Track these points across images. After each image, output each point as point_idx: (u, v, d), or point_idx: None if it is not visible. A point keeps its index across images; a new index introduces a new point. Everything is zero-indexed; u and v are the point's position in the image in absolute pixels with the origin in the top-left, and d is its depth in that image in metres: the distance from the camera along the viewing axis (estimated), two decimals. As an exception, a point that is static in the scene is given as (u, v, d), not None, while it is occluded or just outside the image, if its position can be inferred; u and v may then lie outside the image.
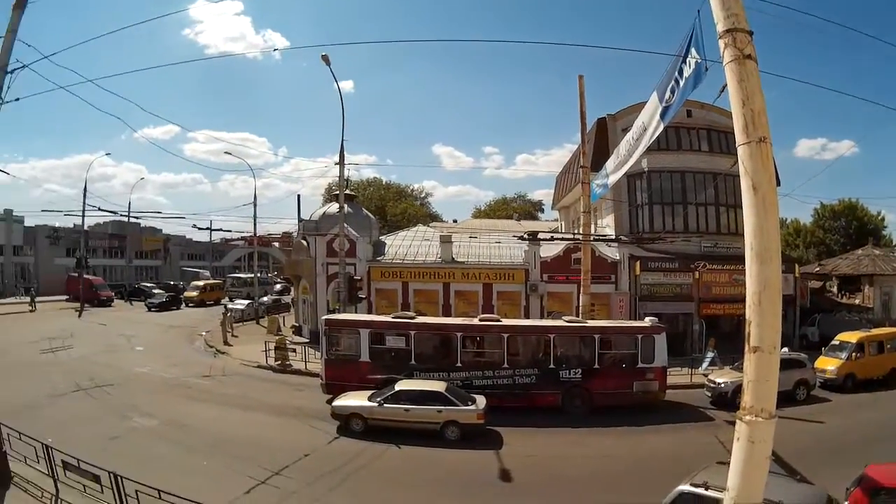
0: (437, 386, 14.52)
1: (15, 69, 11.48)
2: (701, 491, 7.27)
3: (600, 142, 25.85)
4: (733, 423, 5.02)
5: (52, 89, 14.81)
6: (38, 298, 40.09)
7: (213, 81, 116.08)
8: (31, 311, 38.02)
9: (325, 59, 19.78)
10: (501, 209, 65.62)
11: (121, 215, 25.91)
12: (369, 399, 14.45)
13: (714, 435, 14.36)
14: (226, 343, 27.48)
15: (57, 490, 11.30)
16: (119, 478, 9.96)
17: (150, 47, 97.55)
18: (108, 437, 14.60)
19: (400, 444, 13.44)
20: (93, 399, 18.12)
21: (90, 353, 24.33)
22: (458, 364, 16.58)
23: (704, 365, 21.57)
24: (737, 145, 4.89)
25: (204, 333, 30.65)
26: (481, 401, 14.36)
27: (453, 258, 26.40)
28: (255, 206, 38.20)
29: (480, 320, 17.60)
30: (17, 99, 11.87)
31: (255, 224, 38.32)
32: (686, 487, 7.61)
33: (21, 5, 11.47)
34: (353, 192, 33.19)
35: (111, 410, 16.97)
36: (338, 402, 14.88)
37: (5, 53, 11.27)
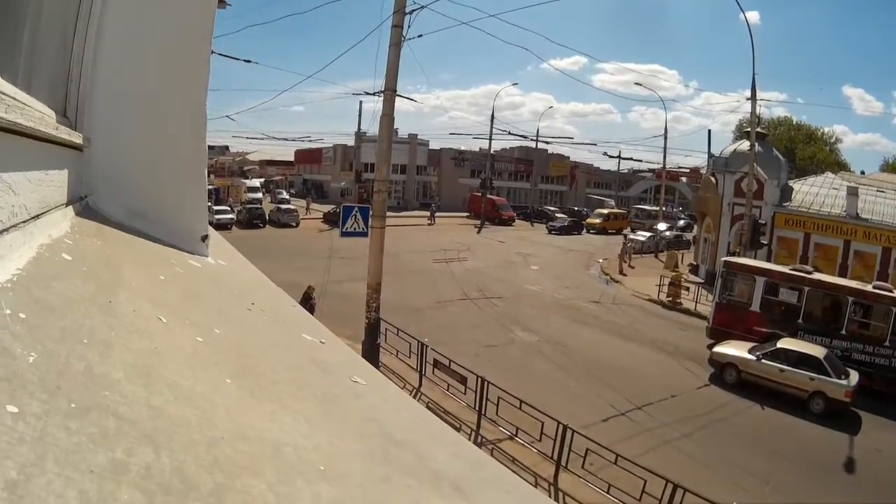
0: (817, 351, 15.88)
1: (413, 10, 14.01)
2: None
3: None
4: None
5: (453, 25, 17.29)
6: (437, 214, 51.52)
7: (619, 11, 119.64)
8: (430, 224, 49.13)
9: None
10: (912, 164, 59.61)
11: (530, 140, 28.31)
12: (749, 351, 16.47)
13: None
14: (621, 272, 31.95)
15: (420, 384, 13.90)
16: (486, 383, 11.89)
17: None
18: (484, 344, 17.47)
19: (764, 406, 15.06)
20: (478, 309, 22.56)
21: (483, 267, 31.42)
22: (843, 332, 17.82)
23: None
24: None
25: (601, 261, 35.78)
26: (854, 377, 15.44)
27: (857, 213, 27.08)
28: (665, 138, 44.11)
29: (874, 287, 18.24)
30: (420, 35, 15.20)
31: (664, 157, 45.07)
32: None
33: None
34: (763, 131, 34.62)
35: (493, 321, 20.37)
36: (718, 349, 17.21)
37: None
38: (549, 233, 48.99)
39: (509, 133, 61.11)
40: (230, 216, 41.39)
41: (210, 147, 75.33)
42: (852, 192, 27.24)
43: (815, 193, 29.28)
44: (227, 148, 75.32)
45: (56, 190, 1.51)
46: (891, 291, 18.00)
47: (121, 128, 2.02)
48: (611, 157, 61.23)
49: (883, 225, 26.27)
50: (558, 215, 55.46)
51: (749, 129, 26.46)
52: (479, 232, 46.56)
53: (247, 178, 66.69)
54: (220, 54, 14.82)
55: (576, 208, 62.71)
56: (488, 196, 53.04)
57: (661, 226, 45.84)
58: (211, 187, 53.78)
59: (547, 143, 59.54)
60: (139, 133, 2.07)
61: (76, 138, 1.71)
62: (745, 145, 28.35)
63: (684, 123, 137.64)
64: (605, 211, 55.81)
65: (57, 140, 1.48)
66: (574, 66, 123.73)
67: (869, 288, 18.20)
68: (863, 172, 52.68)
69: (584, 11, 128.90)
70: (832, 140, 70.58)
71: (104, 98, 1.97)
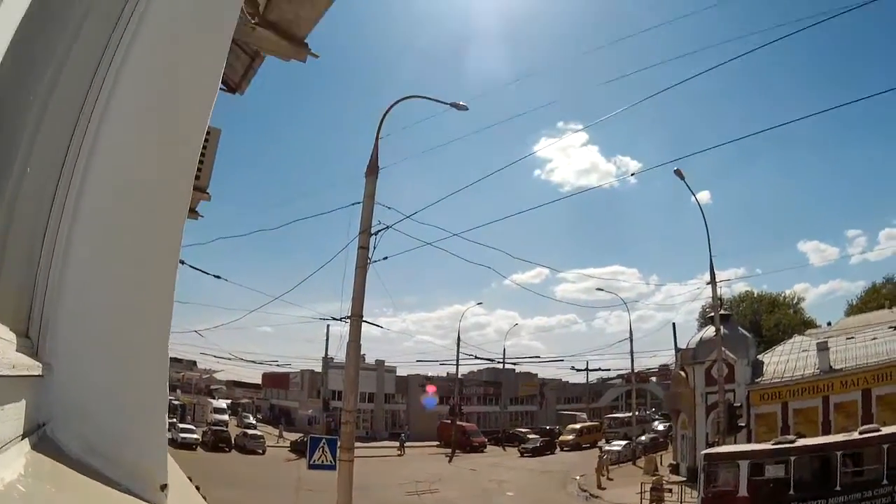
0: None
1: (379, 230, 14.24)
2: None
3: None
4: None
5: (418, 246, 18.76)
6: (407, 444, 50.45)
7: (574, 217, 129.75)
8: (399, 455, 47.83)
9: (679, 173, 23.60)
10: (872, 300, 63.59)
11: (497, 362, 29.29)
12: None
13: None
14: (599, 487, 31.15)
15: None
16: None
17: (505, 193, 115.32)
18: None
19: None
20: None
21: (457, 498, 29.79)
22: (837, 487, 17.50)
23: None
24: None
25: (578, 477, 34.79)
26: None
27: (830, 366, 27.49)
28: (630, 340, 43.20)
29: (860, 433, 18.36)
30: (385, 258, 15.75)
31: (632, 360, 43.82)
32: None
33: (374, 172, 14.32)
34: (727, 311, 36.26)
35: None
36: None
37: (367, 217, 13.99)
38: (522, 455, 47.85)
39: (475, 357, 62.25)
40: (195, 436, 39.93)
41: (177, 360, 74.23)
42: (822, 348, 27.77)
43: (786, 360, 29.70)
44: (194, 363, 74.13)
45: (12, 424, 1.48)
46: (878, 430, 17.87)
47: (83, 352, 1.94)
48: (578, 370, 62.17)
49: (858, 369, 26.48)
50: (530, 436, 54.36)
51: (713, 314, 27.18)
52: (450, 461, 45.24)
53: (213, 397, 65.55)
54: (189, 266, 15.34)
55: (547, 427, 61.40)
56: (458, 423, 52.51)
57: (643, 437, 45.06)
58: (176, 402, 53.15)
59: (514, 364, 60.92)
60: (101, 361, 1.97)
61: (35, 370, 1.69)
62: (710, 332, 28.89)
63: (648, 321, 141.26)
64: (578, 426, 55.25)
65: (17, 375, 1.47)
66: (536, 278, 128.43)
67: (856, 435, 18.16)
68: (829, 324, 53.95)
69: (542, 223, 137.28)
70: (795, 301, 72.52)
71: (68, 320, 1.91)
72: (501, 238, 70.18)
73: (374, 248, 14.12)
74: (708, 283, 25.37)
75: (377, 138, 14.90)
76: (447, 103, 16.32)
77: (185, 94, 2.05)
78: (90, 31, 1.87)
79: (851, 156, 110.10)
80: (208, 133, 6.74)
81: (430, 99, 16.94)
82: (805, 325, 61.45)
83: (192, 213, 7.67)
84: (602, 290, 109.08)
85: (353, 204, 14.82)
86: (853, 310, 64.96)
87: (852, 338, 29.17)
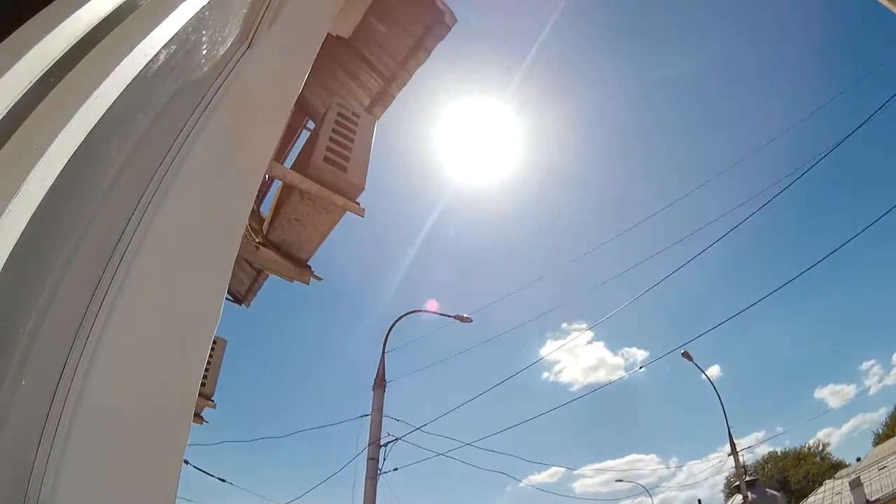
0: None
1: (388, 442, 14.18)
2: None
3: None
4: None
5: (429, 457, 18.64)
6: None
7: (586, 413, 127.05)
8: None
9: (687, 356, 23.54)
10: (897, 424, 64.15)
11: None
12: None
13: None
14: None
15: None
16: None
17: (515, 397, 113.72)
18: None
19: None
20: None
21: None
22: None
23: None
24: None
25: None
26: None
27: (867, 500, 26.45)
28: None
29: None
30: (396, 469, 14.72)
31: None
32: None
33: (381, 385, 14.58)
34: (752, 476, 35.44)
35: None
36: None
37: (376, 429, 14.04)
38: None
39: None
40: None
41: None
42: (855, 484, 27.23)
43: (821, 509, 28.91)
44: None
45: None
46: None
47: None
48: (602, 564, 57.73)
49: (892, 494, 25.43)
50: None
51: (738, 483, 26.81)
52: None
53: None
54: (194, 466, 14.75)
55: None
56: None
57: None
58: None
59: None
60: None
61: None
62: (737, 500, 28.91)
63: (672, 502, 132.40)
64: None
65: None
66: (553, 477, 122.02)
67: None
68: (858, 459, 51.33)
69: (555, 422, 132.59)
70: (820, 449, 70.25)
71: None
72: (514, 441, 67.05)
73: (385, 458, 13.90)
74: (729, 455, 25.02)
75: (383, 353, 15.08)
76: (451, 316, 16.58)
77: (189, 305, 2.07)
78: (96, 236, 1.75)
79: (849, 291, 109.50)
80: (214, 342, 7.03)
81: (433, 313, 17.27)
82: (834, 468, 59.54)
83: (198, 418, 7.73)
84: (621, 480, 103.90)
85: (361, 416, 14.74)
86: (881, 438, 61.27)
87: (885, 466, 28.69)
